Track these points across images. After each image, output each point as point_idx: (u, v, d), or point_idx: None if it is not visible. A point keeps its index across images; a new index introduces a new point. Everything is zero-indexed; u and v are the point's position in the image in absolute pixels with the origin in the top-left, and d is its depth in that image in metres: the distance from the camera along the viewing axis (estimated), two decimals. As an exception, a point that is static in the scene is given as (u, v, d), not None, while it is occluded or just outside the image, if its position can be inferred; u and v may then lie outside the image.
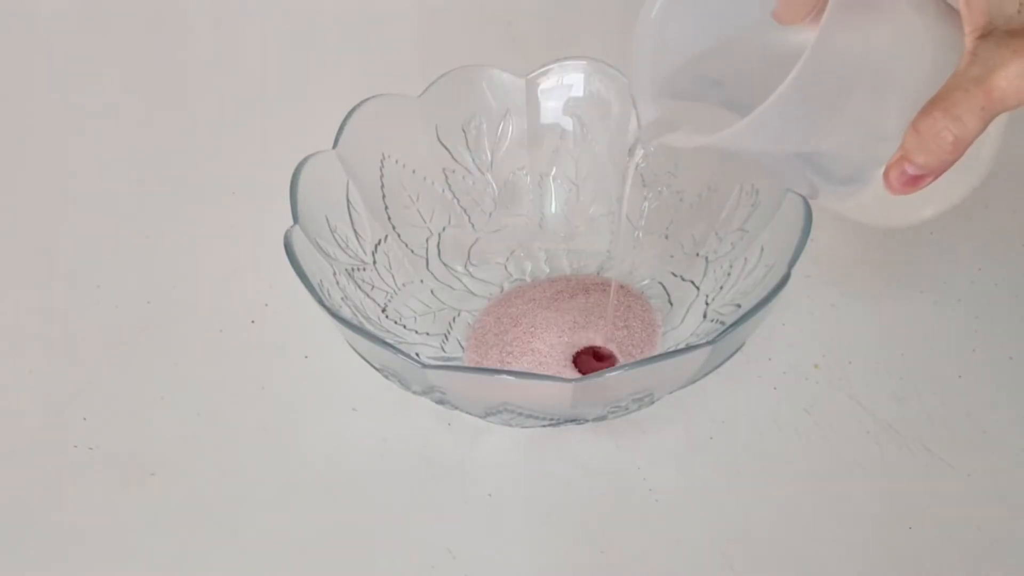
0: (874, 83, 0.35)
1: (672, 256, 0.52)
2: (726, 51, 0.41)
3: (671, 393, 0.43)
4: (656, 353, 0.47)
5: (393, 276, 0.50)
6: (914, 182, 0.36)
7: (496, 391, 0.39)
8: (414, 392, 0.42)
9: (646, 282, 0.52)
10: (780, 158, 0.38)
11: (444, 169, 0.53)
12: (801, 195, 0.44)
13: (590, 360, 0.47)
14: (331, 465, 0.45)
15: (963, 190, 0.39)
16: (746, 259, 0.47)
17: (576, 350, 0.47)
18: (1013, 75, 0.33)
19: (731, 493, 0.44)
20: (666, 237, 0.52)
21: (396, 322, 0.48)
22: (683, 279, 0.51)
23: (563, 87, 0.53)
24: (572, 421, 0.42)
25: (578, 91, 0.53)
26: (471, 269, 0.53)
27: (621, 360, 0.47)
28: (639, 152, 0.42)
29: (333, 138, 0.48)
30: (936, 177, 0.35)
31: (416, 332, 0.49)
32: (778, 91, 0.32)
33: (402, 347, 0.41)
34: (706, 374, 0.42)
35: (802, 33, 0.37)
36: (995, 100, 0.33)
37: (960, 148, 0.34)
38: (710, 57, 0.42)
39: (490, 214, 0.54)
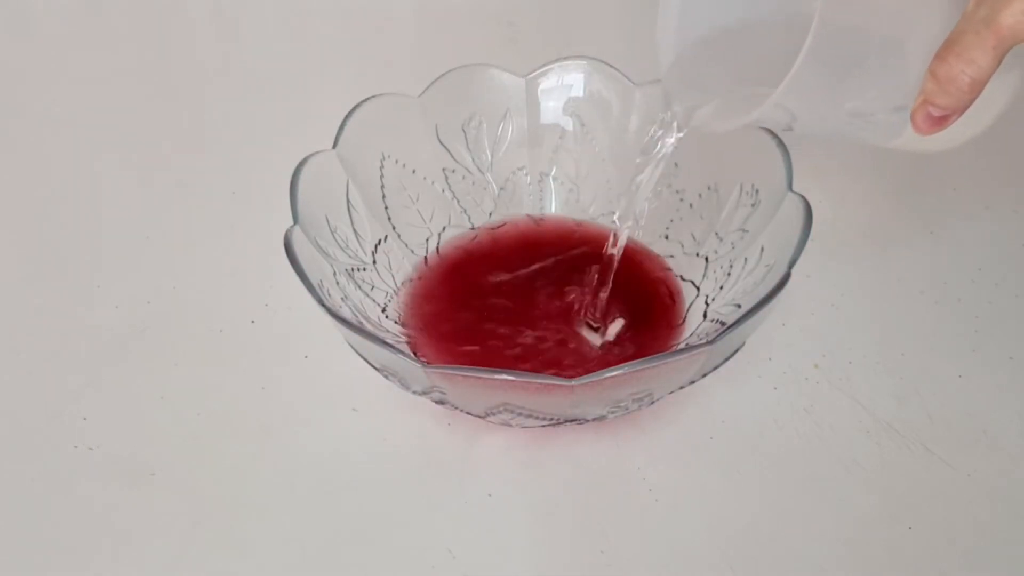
0: (889, 34, 0.37)
1: (672, 256, 0.52)
2: (743, 29, 0.43)
3: (671, 393, 0.43)
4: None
5: (393, 276, 0.50)
6: (939, 122, 0.37)
7: (496, 391, 0.39)
8: (414, 392, 0.42)
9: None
10: (817, 120, 0.39)
11: (444, 169, 0.53)
12: (802, 198, 0.44)
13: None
14: (331, 465, 0.45)
15: (998, 107, 0.41)
16: (746, 259, 0.47)
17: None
18: (1019, 11, 0.34)
19: (731, 493, 0.44)
20: (666, 237, 0.52)
21: (396, 322, 0.48)
22: (683, 279, 0.51)
23: (563, 87, 0.53)
24: (572, 421, 0.42)
25: (578, 91, 0.53)
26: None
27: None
28: (669, 140, 0.43)
29: (333, 138, 0.48)
30: (960, 115, 0.37)
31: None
32: (801, 54, 0.34)
33: (402, 347, 0.41)
34: (706, 374, 0.42)
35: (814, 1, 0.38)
36: (1005, 38, 0.35)
37: (978, 87, 0.36)
38: (730, 36, 0.43)
39: (490, 214, 0.54)
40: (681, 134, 0.43)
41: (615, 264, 0.47)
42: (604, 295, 0.48)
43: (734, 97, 0.42)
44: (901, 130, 0.39)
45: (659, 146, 0.44)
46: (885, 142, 0.41)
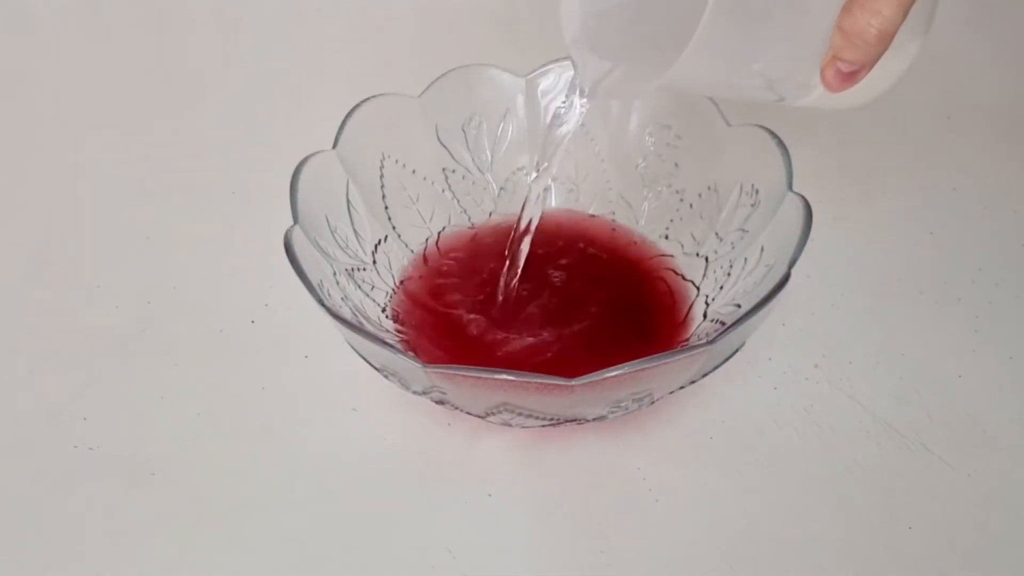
0: None
1: (672, 256, 0.52)
2: None
3: (671, 393, 0.43)
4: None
5: (393, 276, 0.50)
6: (849, 78, 0.37)
7: (496, 391, 0.39)
8: (414, 392, 0.42)
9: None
10: (727, 82, 0.39)
11: (444, 169, 0.53)
12: (802, 198, 0.44)
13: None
14: (331, 465, 0.45)
15: (908, 59, 0.40)
16: (746, 259, 0.47)
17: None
18: None
19: (731, 493, 0.44)
20: (666, 237, 0.52)
21: (395, 321, 0.48)
22: (683, 279, 0.51)
23: (563, 87, 0.53)
24: (572, 421, 0.42)
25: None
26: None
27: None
28: (577, 108, 0.43)
29: (333, 138, 0.48)
30: (870, 69, 0.37)
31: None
32: (705, 13, 0.33)
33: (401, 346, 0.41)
34: (706, 374, 0.42)
35: None
36: None
37: (885, 39, 0.35)
38: (632, 1, 0.43)
39: (490, 214, 0.54)
40: (586, 100, 0.43)
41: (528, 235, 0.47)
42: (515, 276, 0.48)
43: (642, 63, 0.42)
44: (810, 90, 0.39)
45: (568, 113, 0.44)
46: (795, 102, 0.40)
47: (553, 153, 0.45)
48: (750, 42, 0.36)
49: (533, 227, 0.47)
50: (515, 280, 0.48)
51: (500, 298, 0.48)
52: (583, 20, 0.43)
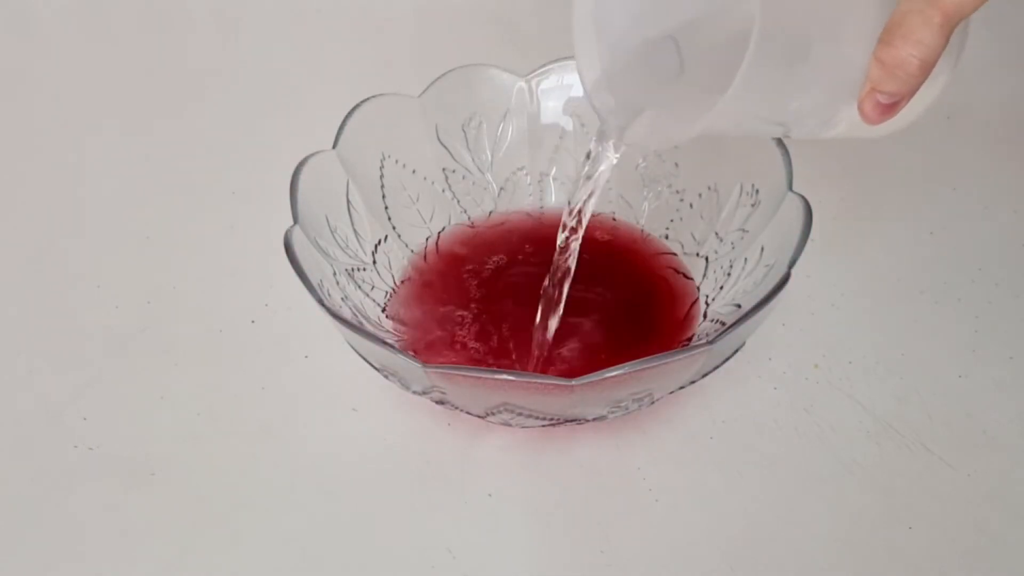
0: (830, 24, 0.35)
1: (674, 254, 0.52)
2: (673, 31, 0.40)
3: (671, 393, 0.43)
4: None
5: (393, 276, 0.50)
6: (889, 110, 0.36)
7: (496, 391, 0.39)
8: (414, 392, 0.42)
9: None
10: (759, 123, 0.38)
11: (444, 169, 0.53)
12: (802, 198, 0.44)
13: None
14: (331, 465, 0.45)
15: (940, 86, 0.39)
16: (746, 259, 0.47)
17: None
18: None
19: (731, 493, 0.44)
20: (666, 237, 0.52)
21: (395, 320, 0.48)
22: (685, 277, 0.51)
23: (563, 87, 0.53)
24: (572, 421, 0.42)
25: (578, 91, 0.53)
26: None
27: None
28: (612, 154, 0.41)
29: (333, 138, 0.48)
30: (909, 99, 0.36)
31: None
32: (748, 53, 0.32)
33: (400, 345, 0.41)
34: (706, 374, 0.42)
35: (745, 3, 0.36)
36: (951, 14, 0.33)
37: (927, 68, 0.34)
38: (657, 39, 0.41)
39: (490, 214, 0.54)
40: (618, 154, 0.41)
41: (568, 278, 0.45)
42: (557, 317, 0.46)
43: (673, 108, 0.40)
44: (837, 123, 0.38)
45: (598, 166, 0.42)
46: (821, 135, 0.39)
47: (586, 199, 0.43)
48: (789, 81, 0.35)
49: (573, 266, 0.45)
50: (554, 320, 0.46)
51: (536, 341, 0.47)
52: (604, 65, 0.40)
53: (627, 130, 0.41)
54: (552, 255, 0.45)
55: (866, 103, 0.36)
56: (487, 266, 0.51)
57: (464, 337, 0.48)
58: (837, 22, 0.35)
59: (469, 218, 0.54)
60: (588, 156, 0.42)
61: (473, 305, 0.49)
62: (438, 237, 0.53)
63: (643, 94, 0.41)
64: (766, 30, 0.32)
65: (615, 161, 0.42)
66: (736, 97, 0.33)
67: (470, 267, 0.51)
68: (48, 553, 0.42)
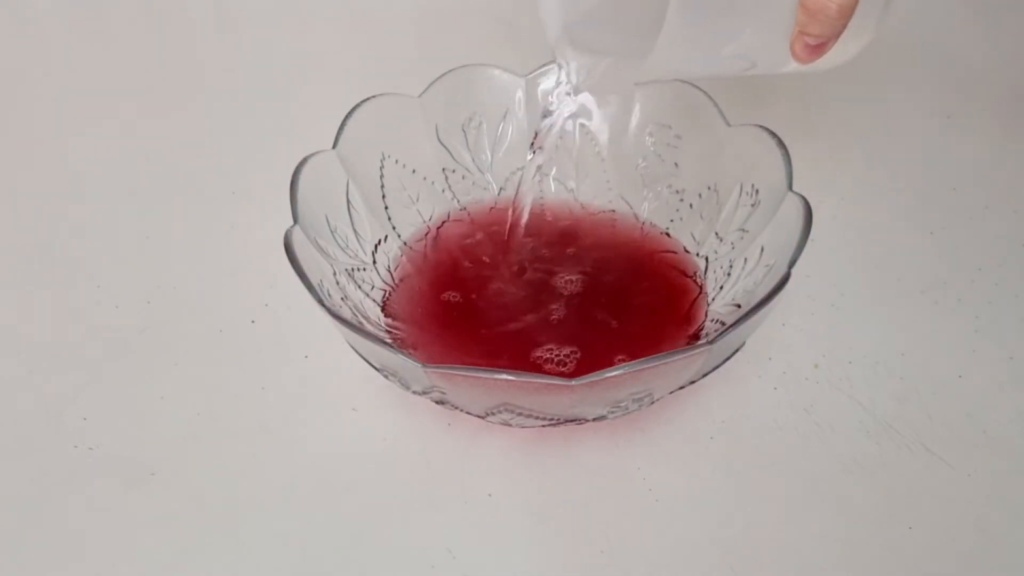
0: None
1: (675, 253, 0.52)
2: None
3: (671, 393, 0.43)
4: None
5: (393, 276, 0.50)
6: (817, 50, 0.39)
7: (496, 391, 0.39)
8: (414, 392, 0.42)
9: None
10: (703, 66, 0.41)
11: (444, 169, 0.53)
12: (802, 198, 0.44)
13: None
14: (331, 465, 0.45)
15: (874, 24, 0.42)
16: (746, 259, 0.47)
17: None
18: None
19: (731, 493, 0.44)
20: (666, 237, 0.52)
21: (394, 319, 0.48)
22: (685, 275, 0.51)
23: (563, 87, 0.53)
24: (572, 421, 0.42)
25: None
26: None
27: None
28: (565, 106, 0.47)
29: (333, 138, 0.48)
30: (835, 40, 0.39)
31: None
32: (669, 11, 0.36)
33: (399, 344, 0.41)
34: (706, 374, 0.42)
35: None
36: None
37: (846, 12, 0.38)
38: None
39: (490, 211, 0.54)
40: (576, 96, 0.46)
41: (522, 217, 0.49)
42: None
43: (621, 57, 0.45)
44: (784, 62, 0.41)
45: (557, 109, 0.47)
46: (773, 72, 0.42)
47: (542, 142, 0.48)
48: (717, 29, 0.39)
49: (527, 208, 0.49)
50: (516, 256, 0.50)
51: (505, 272, 0.50)
52: (564, 20, 0.45)
53: (584, 78, 0.46)
54: (552, 250, 0.47)
55: (796, 45, 0.39)
56: (485, 261, 0.51)
57: (464, 336, 0.48)
58: None
59: (469, 215, 0.54)
60: (544, 108, 0.48)
61: (472, 298, 0.49)
62: (436, 232, 0.53)
63: (596, 45, 0.46)
64: None
65: (571, 107, 0.47)
66: (666, 46, 0.37)
67: (468, 263, 0.51)
68: (48, 553, 0.42)
